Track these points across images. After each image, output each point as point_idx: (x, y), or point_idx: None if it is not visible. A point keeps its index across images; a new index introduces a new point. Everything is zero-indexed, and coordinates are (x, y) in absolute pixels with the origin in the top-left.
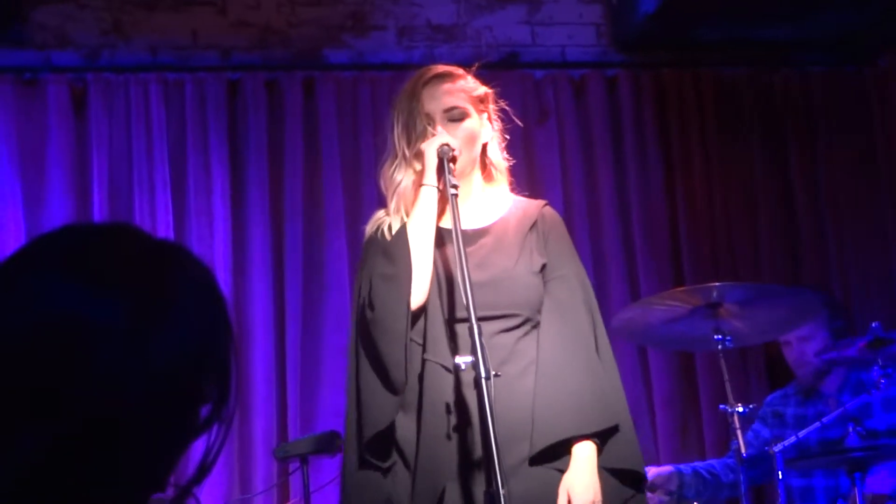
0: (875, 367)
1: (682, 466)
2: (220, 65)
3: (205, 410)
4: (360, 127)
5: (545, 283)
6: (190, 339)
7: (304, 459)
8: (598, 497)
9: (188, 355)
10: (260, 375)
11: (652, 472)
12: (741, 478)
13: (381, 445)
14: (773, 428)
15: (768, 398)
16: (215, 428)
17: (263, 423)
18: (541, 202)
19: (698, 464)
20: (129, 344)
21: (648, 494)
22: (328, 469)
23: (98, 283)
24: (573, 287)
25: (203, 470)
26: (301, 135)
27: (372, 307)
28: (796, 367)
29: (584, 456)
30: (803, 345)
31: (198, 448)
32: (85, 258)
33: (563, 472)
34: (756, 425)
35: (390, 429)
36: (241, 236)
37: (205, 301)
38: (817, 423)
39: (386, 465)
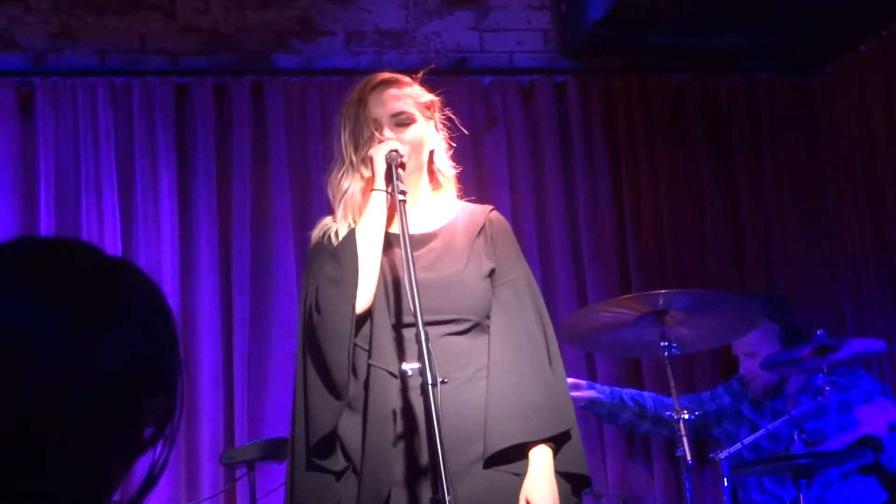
0: (820, 375)
1: (598, 386)
2: (169, 69)
3: (149, 428)
4: (309, 132)
5: (494, 287)
6: (132, 354)
7: (251, 465)
8: (557, 501)
9: (129, 371)
10: (207, 380)
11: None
12: (686, 484)
13: (328, 449)
14: (734, 401)
15: (734, 382)
16: (160, 445)
17: (210, 429)
18: (487, 207)
19: (628, 390)
20: (66, 352)
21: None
22: (276, 475)
23: (40, 295)
24: (522, 291)
25: (147, 486)
26: (249, 140)
27: (318, 310)
28: (747, 381)
29: (542, 460)
30: (751, 360)
31: (142, 465)
32: (31, 270)
33: (517, 475)
34: (719, 389)
35: (334, 433)
36: (188, 240)
37: (150, 318)
38: (762, 432)
39: (338, 469)
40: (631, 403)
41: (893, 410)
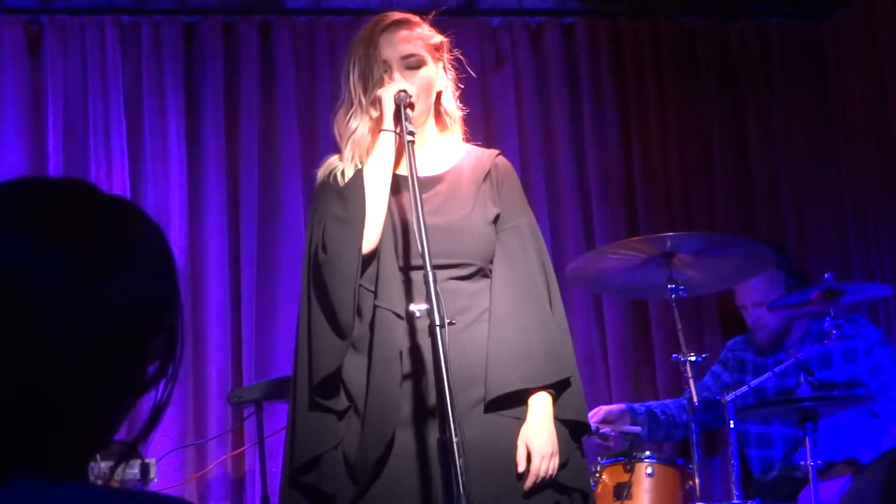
0: (827, 319)
1: (635, 405)
2: (177, 8)
3: (152, 367)
4: (317, 72)
5: (498, 233)
6: (136, 295)
7: (258, 405)
8: (556, 447)
9: (134, 313)
10: (214, 320)
11: (604, 409)
12: (692, 426)
13: (330, 388)
14: (734, 372)
15: (729, 342)
16: (162, 384)
17: (218, 368)
18: (493, 152)
19: (653, 403)
20: (72, 297)
21: (602, 430)
22: (283, 414)
23: (45, 237)
24: (525, 238)
25: (150, 424)
26: (257, 79)
27: (325, 250)
28: (755, 329)
29: (542, 407)
30: (758, 309)
31: (146, 403)
32: (35, 212)
33: (517, 419)
34: (716, 368)
35: (338, 373)
36: (196, 180)
37: (153, 259)
38: (770, 373)
39: (340, 408)
40: (662, 417)
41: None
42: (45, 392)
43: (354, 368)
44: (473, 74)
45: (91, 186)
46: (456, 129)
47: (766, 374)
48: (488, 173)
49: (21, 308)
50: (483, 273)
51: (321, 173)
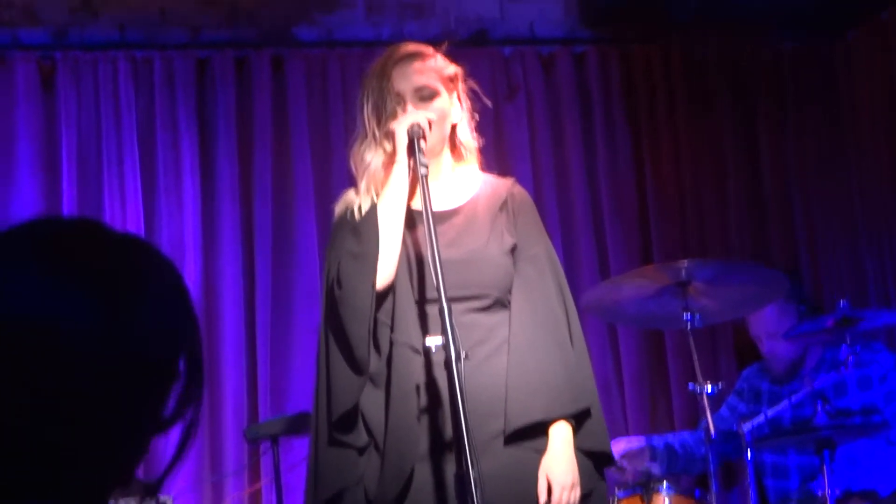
0: (843, 346)
1: (654, 439)
2: (189, 42)
3: (173, 401)
4: (330, 104)
5: (515, 263)
6: (157, 330)
7: (274, 440)
8: (577, 478)
9: (154, 350)
10: (230, 355)
11: (623, 444)
12: (710, 456)
13: (349, 424)
14: (749, 403)
15: (745, 372)
16: (189, 414)
17: (234, 404)
18: (510, 180)
19: (670, 437)
20: (94, 336)
21: (623, 464)
22: (299, 450)
23: (65, 278)
24: (543, 267)
25: (175, 459)
26: (270, 112)
27: (340, 285)
28: (770, 359)
29: (562, 438)
30: (772, 340)
31: (169, 443)
32: (53, 253)
33: (537, 451)
34: (731, 399)
35: (356, 409)
36: (210, 214)
37: (170, 295)
38: (786, 402)
39: (360, 444)
40: (681, 451)
41: None
42: (67, 428)
43: (373, 404)
44: (489, 104)
45: (102, 225)
46: (472, 160)
47: (783, 403)
48: (505, 202)
49: (44, 348)
50: (501, 304)
51: (338, 208)
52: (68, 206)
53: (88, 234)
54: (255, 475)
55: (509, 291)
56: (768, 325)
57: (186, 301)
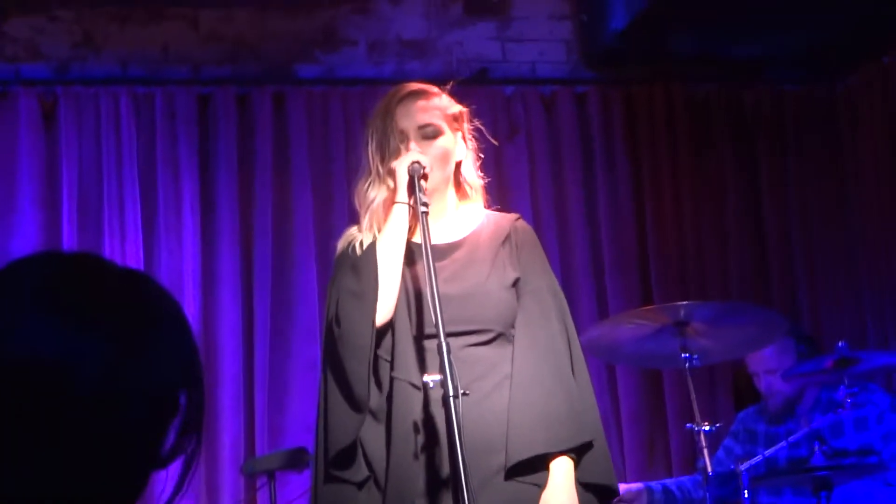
0: (841, 387)
1: (652, 484)
2: (191, 78)
3: (172, 436)
4: (331, 142)
5: (518, 297)
6: (165, 368)
7: (271, 475)
8: None
9: (163, 386)
10: (228, 390)
11: (621, 488)
12: (706, 497)
13: (347, 461)
14: (745, 444)
15: (740, 414)
16: (189, 449)
17: (231, 439)
18: (513, 215)
19: (668, 481)
20: (108, 379)
21: None
22: (295, 485)
23: (73, 318)
24: (546, 301)
25: (175, 492)
26: (271, 149)
27: (339, 323)
28: (766, 396)
29: (563, 472)
30: (770, 376)
31: (169, 478)
32: (60, 293)
33: (537, 486)
34: (727, 441)
35: (354, 445)
36: (210, 251)
37: (176, 330)
38: (783, 443)
39: (359, 479)
40: (679, 494)
41: None
42: (69, 464)
43: (374, 440)
44: (494, 142)
45: (103, 260)
46: (477, 198)
47: (780, 444)
48: (507, 237)
49: (56, 389)
50: (504, 338)
51: (341, 244)
52: (68, 242)
53: (90, 269)
54: None
55: (512, 326)
56: (767, 363)
57: (189, 335)
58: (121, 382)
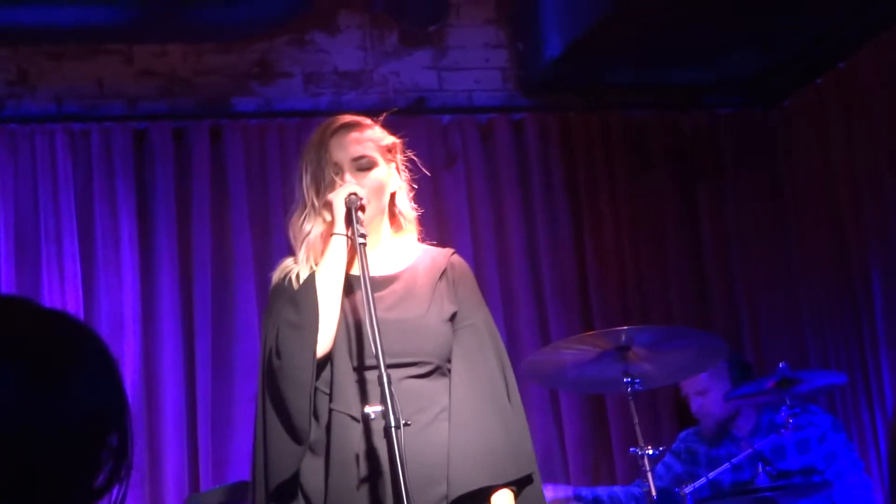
0: (783, 408)
1: (582, 490)
2: (127, 114)
3: (104, 472)
4: (269, 174)
5: (455, 331)
6: (84, 404)
7: None
8: None
9: (82, 421)
10: (170, 425)
11: (549, 493)
12: None
13: (287, 493)
14: (686, 465)
15: (681, 434)
16: (115, 490)
17: (174, 474)
18: (449, 251)
19: (601, 489)
20: (23, 413)
21: None
22: None
23: None
24: (482, 336)
25: None
26: (209, 183)
27: (279, 355)
28: (699, 418)
29: None
30: (700, 398)
31: None
32: None
33: None
34: (668, 458)
35: (295, 478)
36: (149, 285)
37: (96, 366)
38: (727, 465)
39: None
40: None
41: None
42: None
43: (313, 472)
44: (428, 173)
45: (28, 300)
46: (411, 230)
47: (724, 466)
48: (444, 272)
49: None
50: (441, 371)
51: (276, 276)
52: (6, 279)
53: (15, 310)
54: None
55: (448, 360)
56: (697, 384)
57: (114, 372)
58: (33, 417)
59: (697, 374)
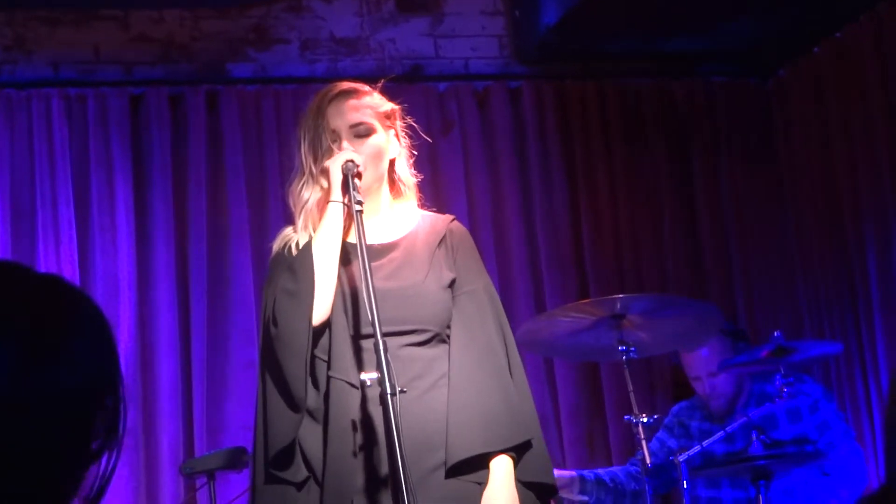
0: (777, 376)
1: (584, 472)
2: (123, 79)
3: (97, 439)
4: (264, 140)
5: (454, 298)
6: (82, 369)
7: (210, 475)
8: None
9: (81, 386)
10: (166, 391)
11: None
12: (646, 488)
13: (286, 461)
14: (679, 438)
15: (674, 408)
16: (105, 457)
17: (170, 439)
18: (448, 217)
19: (601, 470)
20: (15, 376)
21: None
22: (235, 484)
23: None
24: (482, 302)
25: (96, 498)
26: (205, 149)
27: (276, 323)
28: (711, 398)
29: (503, 471)
30: (713, 379)
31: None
32: None
33: (478, 483)
34: (661, 433)
35: (293, 445)
36: (145, 251)
37: (92, 331)
38: (721, 433)
39: (299, 479)
40: (611, 484)
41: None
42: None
43: (312, 438)
44: (428, 139)
45: (23, 267)
46: (410, 196)
47: (718, 434)
48: (443, 238)
49: None
50: (440, 338)
51: (276, 245)
52: (2, 245)
53: (7, 275)
54: None
55: (448, 326)
56: (707, 365)
57: (108, 340)
58: (31, 385)
59: (696, 354)
